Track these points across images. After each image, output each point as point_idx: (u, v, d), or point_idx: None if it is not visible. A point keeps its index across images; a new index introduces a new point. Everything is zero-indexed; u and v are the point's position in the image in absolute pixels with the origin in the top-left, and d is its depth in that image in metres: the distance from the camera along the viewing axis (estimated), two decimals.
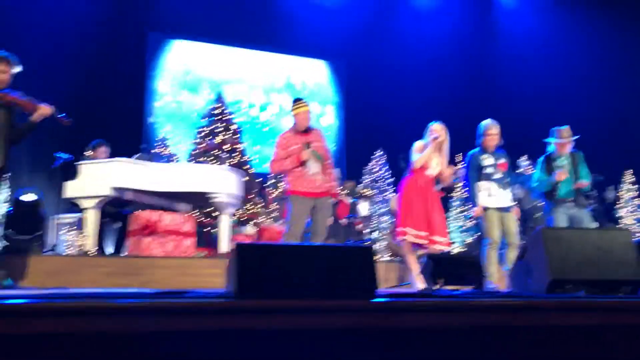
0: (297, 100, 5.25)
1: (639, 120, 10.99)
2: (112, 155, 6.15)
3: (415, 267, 5.20)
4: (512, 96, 11.60)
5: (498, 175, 5.45)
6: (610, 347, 2.55)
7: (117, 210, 6.33)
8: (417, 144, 5.36)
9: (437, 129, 5.32)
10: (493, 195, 5.40)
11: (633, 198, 10.79)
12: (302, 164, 4.99)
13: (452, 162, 5.46)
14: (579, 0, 11.15)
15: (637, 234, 9.74)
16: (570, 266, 3.03)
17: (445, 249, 5.20)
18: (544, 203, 5.96)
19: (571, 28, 11.35)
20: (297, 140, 5.10)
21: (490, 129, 5.54)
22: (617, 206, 10.66)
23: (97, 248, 5.93)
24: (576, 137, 5.80)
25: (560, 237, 3.10)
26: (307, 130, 5.16)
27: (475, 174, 5.51)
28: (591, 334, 2.52)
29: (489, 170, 5.45)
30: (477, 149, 5.62)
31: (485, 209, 5.42)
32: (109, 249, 6.29)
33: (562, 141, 5.74)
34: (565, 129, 5.80)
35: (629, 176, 10.87)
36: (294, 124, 5.19)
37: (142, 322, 2.06)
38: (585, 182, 5.65)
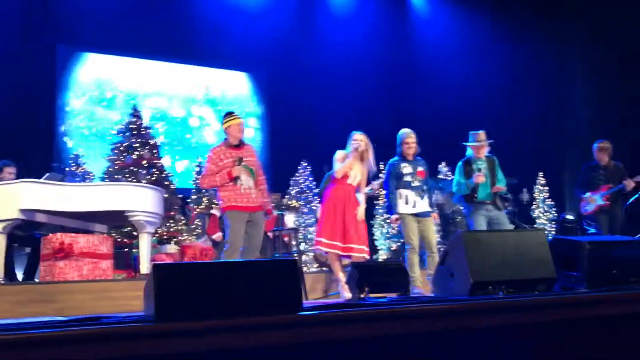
0: (229, 114, 5.24)
1: (548, 124, 11.63)
2: (21, 176, 5.79)
3: (341, 276, 5.25)
4: (431, 101, 11.96)
5: (416, 183, 5.64)
6: (531, 345, 2.63)
7: (28, 234, 5.97)
8: (339, 154, 5.44)
9: (358, 139, 5.43)
10: (411, 202, 5.59)
11: (545, 199, 11.36)
12: (233, 179, 4.95)
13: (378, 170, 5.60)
14: (491, 7, 11.65)
15: (552, 234, 10.26)
16: (490, 268, 3.12)
17: (365, 256, 5.30)
18: (463, 207, 6.21)
19: (484, 35, 11.86)
20: (229, 155, 5.07)
21: (408, 138, 5.72)
22: (532, 207, 11.18)
23: (5, 275, 5.55)
24: (491, 141, 6.07)
25: (480, 240, 3.18)
26: (240, 145, 5.14)
27: (394, 182, 5.68)
28: (512, 332, 2.59)
29: (407, 178, 5.64)
30: (396, 158, 5.78)
31: (404, 216, 5.59)
32: (20, 275, 5.91)
33: (478, 144, 5.99)
34: (481, 133, 6.07)
35: (540, 178, 11.45)
36: (225, 138, 5.15)
37: (55, 353, 1.92)
38: (502, 186, 5.92)
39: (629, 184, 6.60)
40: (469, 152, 6.11)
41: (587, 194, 6.87)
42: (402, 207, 5.61)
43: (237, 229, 4.95)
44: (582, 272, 3.27)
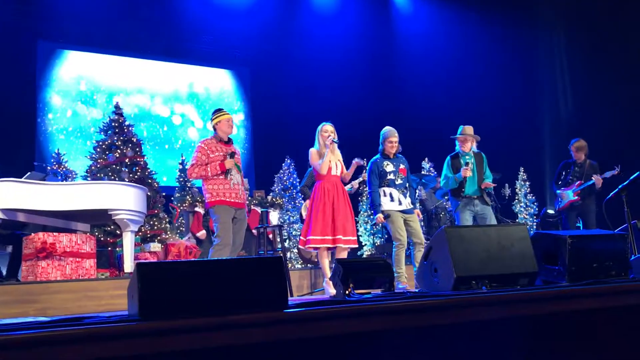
0: (218, 110, 5.29)
1: (528, 120, 11.74)
2: (2, 175, 5.72)
3: (328, 272, 5.26)
4: (414, 98, 12.02)
5: (399, 181, 5.67)
6: (514, 338, 2.66)
7: (9, 232, 5.90)
8: (313, 152, 5.44)
9: (329, 130, 5.45)
10: (396, 200, 5.62)
11: (526, 194, 11.47)
12: (223, 173, 4.94)
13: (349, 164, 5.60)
14: (473, 3, 11.72)
15: (533, 229, 10.37)
16: (473, 263, 3.15)
17: (352, 246, 5.33)
18: (450, 202, 6.27)
19: (465, 31, 11.94)
20: (219, 149, 5.09)
21: (392, 137, 5.75)
22: (514, 202, 11.30)
23: None
24: (477, 137, 6.13)
25: (463, 236, 3.21)
26: (229, 141, 5.17)
27: (376, 180, 5.70)
28: (495, 327, 2.62)
29: (391, 176, 5.67)
30: (378, 156, 5.80)
31: (390, 212, 5.61)
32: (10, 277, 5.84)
33: (462, 137, 6.06)
34: (467, 127, 6.13)
35: (522, 173, 11.56)
36: (215, 133, 5.16)
37: (37, 354, 1.90)
38: (490, 182, 6.00)
39: (598, 180, 6.82)
40: (458, 146, 6.18)
41: (561, 190, 7.13)
42: (387, 205, 5.64)
43: (227, 223, 4.96)
44: (563, 266, 3.31)
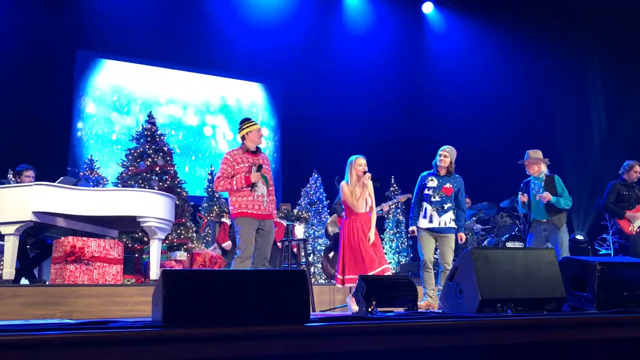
0: (246, 120, 5.22)
1: (559, 142, 11.54)
2: (38, 179, 5.87)
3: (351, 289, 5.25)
4: (445, 118, 11.95)
5: (437, 199, 5.58)
6: None
7: (39, 236, 6.03)
8: (345, 187, 5.33)
9: (363, 163, 5.33)
10: (428, 216, 5.55)
11: None
12: (250, 185, 4.92)
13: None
14: (507, 21, 11.64)
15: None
16: (499, 285, 3.10)
17: (387, 273, 5.31)
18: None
19: (499, 50, 11.86)
20: (245, 160, 5.04)
21: (444, 151, 5.70)
22: None
23: (16, 276, 5.59)
24: (546, 160, 6.07)
25: (489, 257, 3.17)
26: (257, 151, 5.12)
27: (418, 194, 5.68)
28: (520, 351, 2.57)
29: (428, 192, 5.61)
30: (430, 171, 5.77)
31: (420, 230, 5.57)
32: (30, 277, 5.96)
33: (527, 161, 6.06)
34: (533, 151, 6.10)
35: None
36: (242, 144, 5.11)
37: (62, 355, 1.93)
38: (547, 196, 5.84)
39: None
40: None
41: (629, 213, 6.56)
42: (419, 220, 5.65)
43: (248, 236, 4.91)
44: (592, 292, 3.24)
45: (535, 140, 11.03)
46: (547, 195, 5.84)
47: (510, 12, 11.54)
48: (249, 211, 4.94)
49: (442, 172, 5.65)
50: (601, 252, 7.00)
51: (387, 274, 5.30)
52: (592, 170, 11.12)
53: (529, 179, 6.16)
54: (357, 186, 5.29)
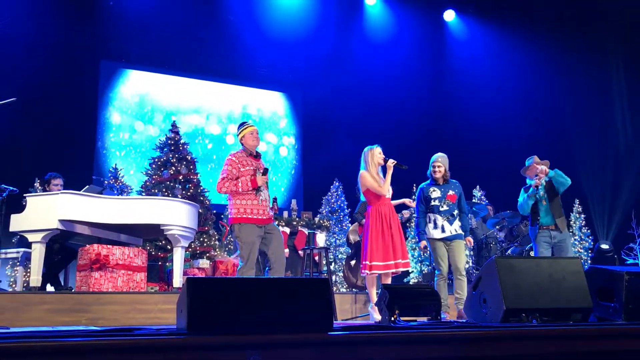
0: (242, 123, 5.13)
1: (582, 150, 11.40)
2: (65, 187, 5.97)
3: (375, 298, 5.23)
4: (466, 126, 11.89)
5: (445, 207, 5.57)
6: None
7: (65, 244, 6.12)
8: (365, 174, 5.37)
9: (381, 152, 5.41)
10: (439, 226, 5.53)
11: (581, 227, 11.10)
12: (255, 189, 4.85)
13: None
14: (529, 29, 11.56)
15: (587, 263, 10.01)
16: (524, 295, 3.07)
17: (408, 269, 5.33)
18: (529, 230, 6.06)
19: (520, 56, 11.77)
20: (249, 163, 4.94)
21: (435, 162, 5.70)
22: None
23: (49, 283, 5.70)
24: (547, 161, 5.98)
25: (514, 267, 3.14)
26: (257, 155, 5.05)
27: (422, 206, 5.65)
28: None
29: (435, 202, 5.60)
30: (427, 182, 5.75)
31: (432, 241, 5.54)
32: (56, 283, 6.05)
33: (527, 168, 5.98)
34: (534, 157, 6.04)
35: (576, 206, 11.20)
36: (243, 147, 5.02)
37: None
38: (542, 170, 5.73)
39: None
40: (529, 180, 6.07)
41: None
42: (430, 232, 5.59)
43: (251, 244, 4.74)
44: (619, 303, 3.18)
45: (558, 148, 10.94)
46: (544, 170, 5.75)
47: (531, 20, 11.47)
48: (253, 216, 4.79)
49: (440, 181, 5.66)
50: (628, 262, 6.87)
51: (407, 269, 5.31)
52: (612, 179, 10.98)
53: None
54: (379, 172, 5.35)
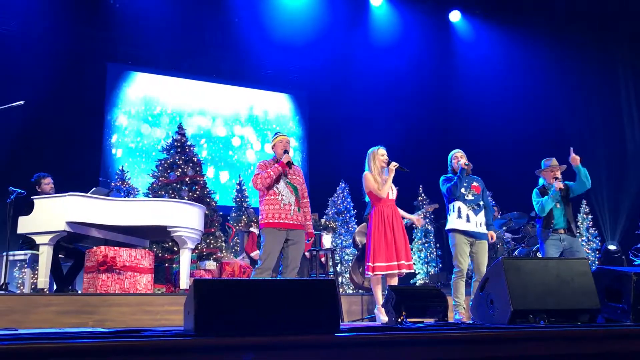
0: (276, 133, 5.31)
1: (589, 151, 11.34)
2: (67, 188, 5.98)
3: (380, 299, 5.21)
4: (472, 127, 11.85)
5: (470, 197, 5.45)
6: None
7: (72, 246, 6.14)
8: (368, 176, 5.35)
9: (385, 154, 5.39)
10: (464, 216, 5.37)
11: (588, 228, 11.05)
12: (277, 180, 4.93)
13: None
14: (536, 30, 11.52)
15: (595, 264, 9.96)
16: (531, 296, 3.06)
17: (409, 270, 5.25)
18: (537, 234, 5.97)
19: (525, 57, 11.73)
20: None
21: (458, 152, 5.66)
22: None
23: (50, 285, 5.71)
24: (563, 165, 5.92)
25: (521, 268, 3.13)
26: (289, 165, 5.08)
27: (449, 184, 5.48)
28: None
29: (461, 190, 5.45)
30: (449, 175, 5.63)
31: (455, 234, 5.39)
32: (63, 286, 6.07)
33: (547, 169, 5.88)
34: (553, 159, 5.95)
35: (583, 206, 11.16)
36: (274, 155, 5.15)
37: None
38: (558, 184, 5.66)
39: None
40: (541, 180, 5.97)
41: None
42: (454, 222, 5.39)
43: (271, 249, 4.84)
44: (627, 304, 3.17)
45: (565, 148, 10.88)
46: (559, 184, 5.68)
47: (537, 20, 11.43)
48: (276, 220, 4.89)
49: (465, 172, 5.52)
50: (636, 263, 6.82)
51: (411, 270, 5.26)
52: (619, 180, 10.92)
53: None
54: (381, 174, 5.32)
